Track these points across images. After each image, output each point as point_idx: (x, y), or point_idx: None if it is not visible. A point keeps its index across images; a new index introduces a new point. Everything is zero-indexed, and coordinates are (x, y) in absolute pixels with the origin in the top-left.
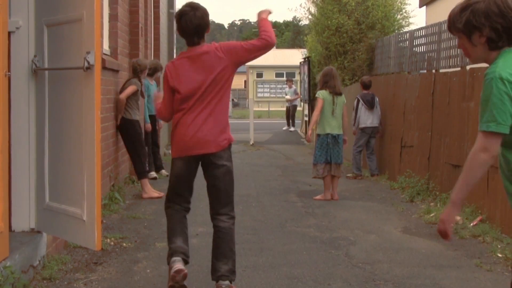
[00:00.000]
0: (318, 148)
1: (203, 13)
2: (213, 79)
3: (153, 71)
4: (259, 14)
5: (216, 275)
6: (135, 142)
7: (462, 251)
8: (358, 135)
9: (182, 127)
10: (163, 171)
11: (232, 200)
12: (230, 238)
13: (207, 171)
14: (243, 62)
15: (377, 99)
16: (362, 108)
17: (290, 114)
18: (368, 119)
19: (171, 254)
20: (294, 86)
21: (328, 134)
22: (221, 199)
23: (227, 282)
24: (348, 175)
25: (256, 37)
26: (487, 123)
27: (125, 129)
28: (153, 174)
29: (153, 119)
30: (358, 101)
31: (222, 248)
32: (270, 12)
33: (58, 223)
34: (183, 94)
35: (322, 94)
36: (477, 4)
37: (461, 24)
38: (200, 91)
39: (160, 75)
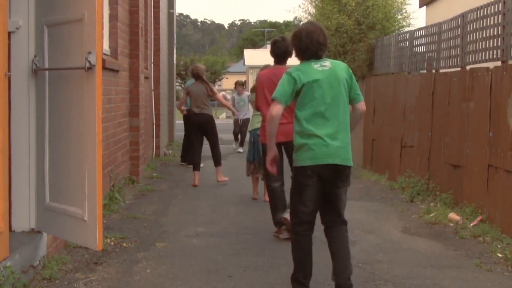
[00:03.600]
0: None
1: (289, 44)
2: None
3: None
4: None
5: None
6: (216, 134)
7: (462, 251)
8: None
9: None
10: None
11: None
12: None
13: None
14: None
15: None
16: None
17: (241, 130)
18: None
19: (275, 224)
20: (246, 92)
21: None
22: None
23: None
24: None
25: (257, 38)
26: (274, 95)
27: (210, 123)
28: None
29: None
30: None
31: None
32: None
33: (58, 223)
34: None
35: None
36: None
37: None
38: None
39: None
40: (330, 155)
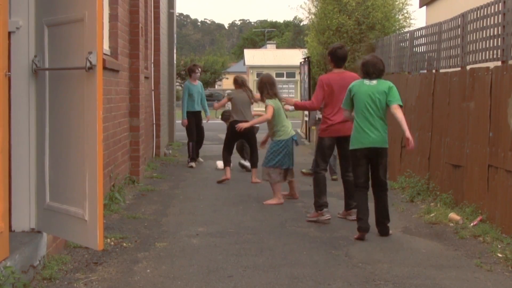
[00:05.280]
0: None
1: (346, 51)
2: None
3: (190, 72)
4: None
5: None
6: (255, 139)
7: (462, 251)
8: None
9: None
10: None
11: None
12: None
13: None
14: None
15: None
16: None
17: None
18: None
19: (322, 205)
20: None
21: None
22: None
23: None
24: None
25: (258, 38)
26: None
27: (249, 129)
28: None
29: (198, 115)
30: None
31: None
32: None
33: (59, 223)
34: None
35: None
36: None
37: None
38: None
39: (198, 75)
40: (371, 141)
